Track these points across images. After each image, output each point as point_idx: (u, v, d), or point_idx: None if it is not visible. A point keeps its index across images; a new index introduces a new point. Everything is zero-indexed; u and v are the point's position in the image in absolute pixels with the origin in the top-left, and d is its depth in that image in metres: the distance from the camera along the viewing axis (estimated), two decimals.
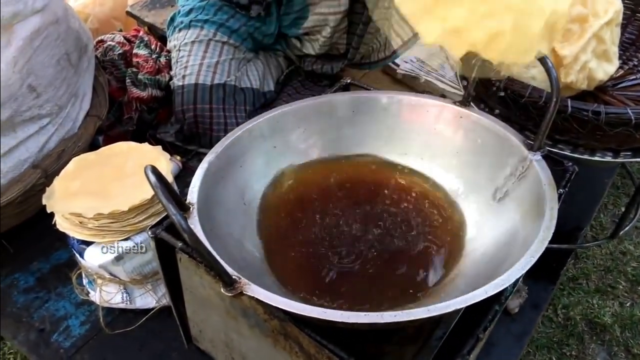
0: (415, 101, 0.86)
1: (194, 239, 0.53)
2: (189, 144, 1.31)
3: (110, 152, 0.91)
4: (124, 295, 0.92)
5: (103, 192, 0.84)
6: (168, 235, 0.72)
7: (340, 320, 0.55)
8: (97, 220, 0.81)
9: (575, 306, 1.25)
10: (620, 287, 1.31)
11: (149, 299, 0.94)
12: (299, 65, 1.47)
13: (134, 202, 0.81)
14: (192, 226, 0.66)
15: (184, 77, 1.22)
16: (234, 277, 0.58)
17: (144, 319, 0.95)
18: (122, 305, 0.94)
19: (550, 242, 0.62)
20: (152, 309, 0.95)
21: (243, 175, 0.81)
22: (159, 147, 0.90)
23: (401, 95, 0.87)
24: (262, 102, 1.37)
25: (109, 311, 0.97)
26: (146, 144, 0.92)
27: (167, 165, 0.86)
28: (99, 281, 0.90)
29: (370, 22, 1.31)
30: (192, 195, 0.70)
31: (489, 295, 0.57)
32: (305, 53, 1.40)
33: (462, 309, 0.60)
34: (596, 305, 1.26)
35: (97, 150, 0.92)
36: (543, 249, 0.61)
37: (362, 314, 0.55)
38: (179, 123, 1.25)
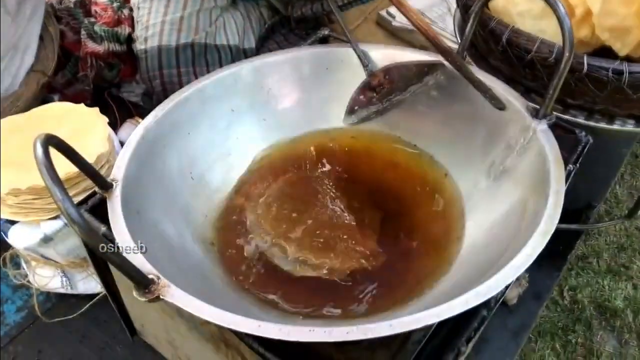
0: (398, 55, 0.73)
1: (86, 231, 0.41)
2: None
3: (42, 114, 0.79)
4: (63, 279, 0.82)
5: (26, 163, 0.71)
6: (91, 217, 0.60)
7: (277, 338, 0.43)
8: (15, 196, 0.69)
9: (584, 288, 1.17)
10: (635, 267, 1.22)
11: (92, 283, 0.84)
12: (286, 15, 1.32)
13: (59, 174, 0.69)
14: (110, 210, 0.55)
15: (145, 39, 1.07)
16: (150, 276, 0.46)
17: (87, 305, 0.85)
18: (62, 290, 0.84)
19: (558, 221, 0.53)
20: (97, 294, 0.85)
21: (192, 144, 0.69)
22: (96, 109, 0.78)
23: (382, 50, 0.75)
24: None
25: (48, 297, 0.88)
26: (82, 105, 0.80)
27: (104, 130, 0.74)
28: (33, 263, 0.79)
29: None
30: (117, 170, 0.58)
31: (470, 307, 0.45)
32: None
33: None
34: (607, 287, 1.17)
35: (27, 112, 0.80)
36: (544, 243, 0.51)
37: (307, 329, 0.44)
38: (146, 84, 1.12)
